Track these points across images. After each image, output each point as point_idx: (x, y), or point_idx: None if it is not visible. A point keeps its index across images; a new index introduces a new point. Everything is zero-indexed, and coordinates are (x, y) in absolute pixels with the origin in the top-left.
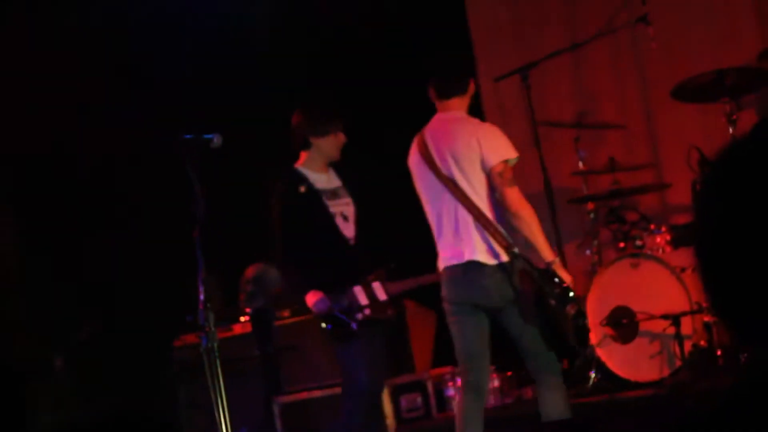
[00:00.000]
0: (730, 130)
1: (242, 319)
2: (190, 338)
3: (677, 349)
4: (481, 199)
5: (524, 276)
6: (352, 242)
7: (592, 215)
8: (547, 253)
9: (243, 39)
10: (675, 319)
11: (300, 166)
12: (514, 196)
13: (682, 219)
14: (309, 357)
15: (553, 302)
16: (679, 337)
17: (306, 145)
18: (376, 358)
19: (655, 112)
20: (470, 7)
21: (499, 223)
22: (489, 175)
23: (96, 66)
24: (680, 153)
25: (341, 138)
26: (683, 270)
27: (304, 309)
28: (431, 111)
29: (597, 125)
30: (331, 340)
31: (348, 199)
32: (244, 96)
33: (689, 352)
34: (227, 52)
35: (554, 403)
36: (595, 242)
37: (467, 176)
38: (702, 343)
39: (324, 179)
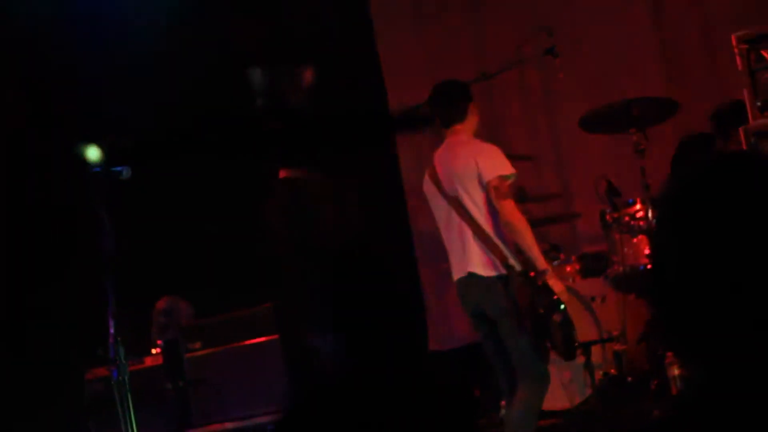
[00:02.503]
0: (638, 159)
1: (153, 351)
2: (101, 371)
3: (587, 378)
4: (482, 215)
5: (521, 288)
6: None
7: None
8: (540, 263)
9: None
10: (585, 348)
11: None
12: (508, 208)
13: (592, 248)
14: (221, 389)
15: (541, 311)
16: (589, 366)
17: None
18: None
19: (563, 142)
20: (379, 38)
21: (500, 238)
22: (486, 190)
23: None
24: (589, 182)
25: None
26: (593, 299)
27: (215, 341)
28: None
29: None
30: None
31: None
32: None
33: (599, 380)
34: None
35: (528, 411)
36: None
37: (469, 194)
38: (612, 371)
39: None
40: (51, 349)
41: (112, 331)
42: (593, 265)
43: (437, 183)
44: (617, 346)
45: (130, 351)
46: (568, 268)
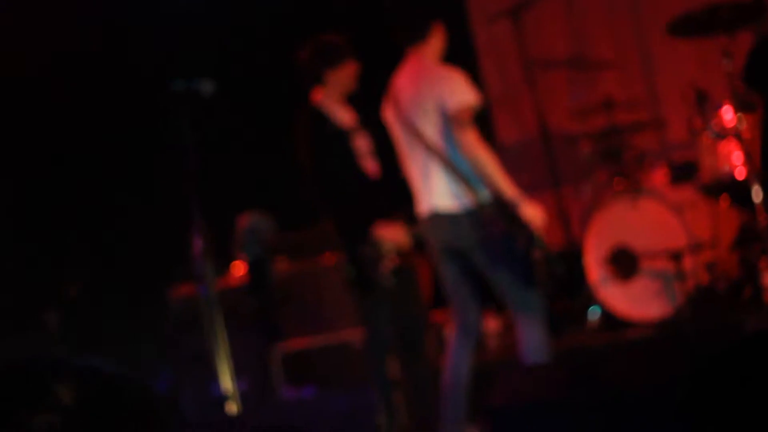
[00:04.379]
0: (726, 64)
1: (238, 269)
2: (187, 290)
3: (678, 288)
4: (445, 145)
5: (492, 219)
6: (375, 179)
7: (588, 155)
8: (508, 193)
9: None
10: (676, 257)
11: (318, 103)
12: (467, 139)
13: (680, 155)
14: (308, 305)
15: (521, 243)
16: (680, 275)
17: (320, 81)
18: (406, 306)
19: (650, 48)
20: None
21: (466, 168)
22: (448, 120)
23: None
24: (677, 89)
25: (355, 66)
26: (683, 207)
27: (300, 257)
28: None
29: (592, 64)
30: (353, 288)
31: (366, 133)
32: (236, 40)
33: (691, 290)
34: None
35: (531, 343)
36: (593, 182)
37: (432, 123)
38: (703, 280)
39: (343, 114)
40: (137, 267)
41: (198, 248)
42: (682, 173)
43: (398, 110)
44: (708, 255)
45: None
46: (657, 176)
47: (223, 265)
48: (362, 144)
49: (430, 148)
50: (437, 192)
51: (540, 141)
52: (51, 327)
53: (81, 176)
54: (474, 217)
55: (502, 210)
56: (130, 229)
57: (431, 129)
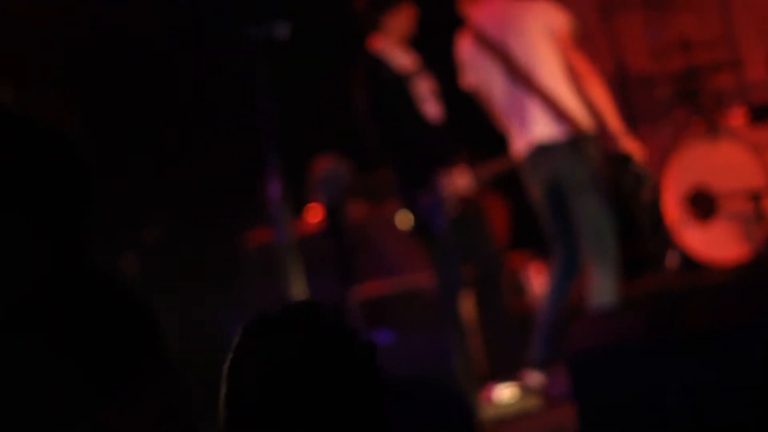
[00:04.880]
0: None
1: (314, 213)
2: (263, 235)
3: (758, 229)
4: (547, 72)
5: (596, 157)
6: (438, 123)
7: (666, 96)
8: (615, 124)
9: None
10: (755, 198)
11: (376, 49)
12: (581, 59)
13: (759, 96)
14: (384, 249)
15: (625, 185)
16: (759, 216)
17: (377, 27)
18: (477, 249)
19: None
20: None
21: (570, 97)
22: (552, 46)
23: None
24: (755, 28)
25: (412, 10)
26: (762, 147)
27: (377, 200)
28: None
29: (668, 4)
30: (415, 236)
31: (427, 76)
32: None
33: None
34: None
35: (603, 288)
36: (670, 123)
37: (528, 50)
38: None
39: (403, 59)
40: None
41: (275, 193)
42: (761, 113)
43: (486, 47)
44: None
45: (291, 213)
46: (735, 116)
47: (298, 209)
48: (424, 88)
49: (527, 77)
50: (536, 123)
51: (616, 82)
52: (129, 273)
53: (159, 122)
54: (575, 147)
55: (604, 141)
56: (207, 175)
57: (527, 57)
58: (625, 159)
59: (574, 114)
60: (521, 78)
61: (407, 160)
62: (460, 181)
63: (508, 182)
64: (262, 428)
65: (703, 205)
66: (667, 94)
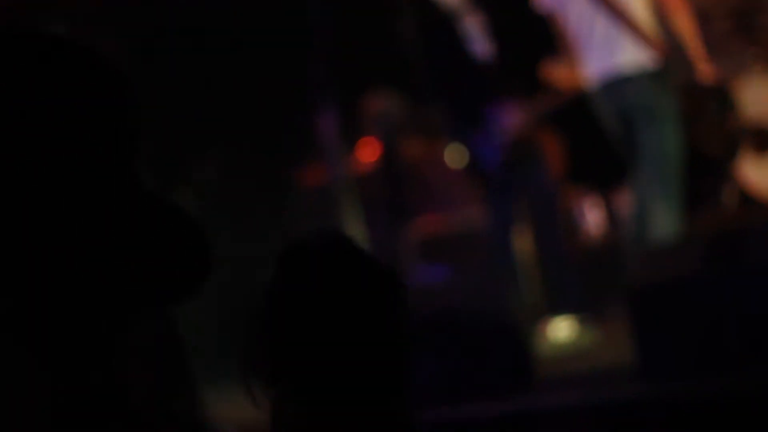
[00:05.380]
0: None
1: (368, 151)
2: (318, 173)
3: None
4: (632, 1)
5: (675, 87)
6: (489, 60)
7: (724, 29)
8: (699, 52)
9: None
10: None
11: None
12: None
13: None
14: (439, 187)
15: (707, 115)
16: None
17: None
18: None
19: None
20: None
21: (651, 22)
22: None
23: None
24: None
25: None
26: None
27: (431, 138)
28: None
29: None
30: (471, 171)
31: (478, 12)
32: None
33: None
34: None
35: (665, 225)
36: (727, 57)
37: None
38: None
39: None
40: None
41: (329, 130)
42: None
43: None
44: None
45: (345, 151)
46: None
47: (352, 147)
48: (474, 24)
49: (610, 1)
50: (617, 49)
51: None
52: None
53: (213, 57)
54: (655, 76)
55: (686, 70)
56: (260, 112)
57: None
58: (710, 89)
59: (656, 41)
60: (604, 2)
61: (459, 97)
62: (512, 117)
63: (563, 117)
64: (289, 355)
65: (762, 139)
66: (725, 28)
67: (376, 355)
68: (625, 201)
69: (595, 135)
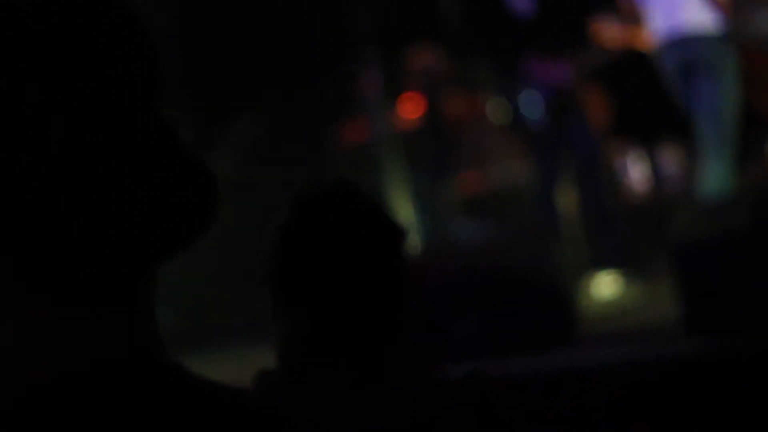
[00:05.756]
0: None
1: (411, 107)
2: (359, 131)
3: None
4: None
5: (734, 45)
6: (533, 13)
7: None
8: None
9: None
10: None
11: None
12: None
13: None
14: (482, 143)
15: (762, 74)
16: None
17: None
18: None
19: None
20: None
21: None
22: None
23: None
24: None
25: None
26: None
27: (475, 93)
28: None
29: None
30: (515, 126)
31: None
32: None
33: None
34: None
35: (717, 179)
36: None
37: None
38: None
39: None
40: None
41: (371, 86)
42: None
43: None
44: None
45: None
46: None
47: (394, 103)
48: None
49: None
50: (683, 8)
51: None
52: (221, 172)
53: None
54: (718, 34)
55: (741, 25)
56: (302, 67)
57: None
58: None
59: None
60: None
61: (502, 52)
62: (556, 72)
63: (610, 73)
64: (297, 286)
65: None
66: None
67: (374, 291)
68: (671, 156)
69: (643, 90)
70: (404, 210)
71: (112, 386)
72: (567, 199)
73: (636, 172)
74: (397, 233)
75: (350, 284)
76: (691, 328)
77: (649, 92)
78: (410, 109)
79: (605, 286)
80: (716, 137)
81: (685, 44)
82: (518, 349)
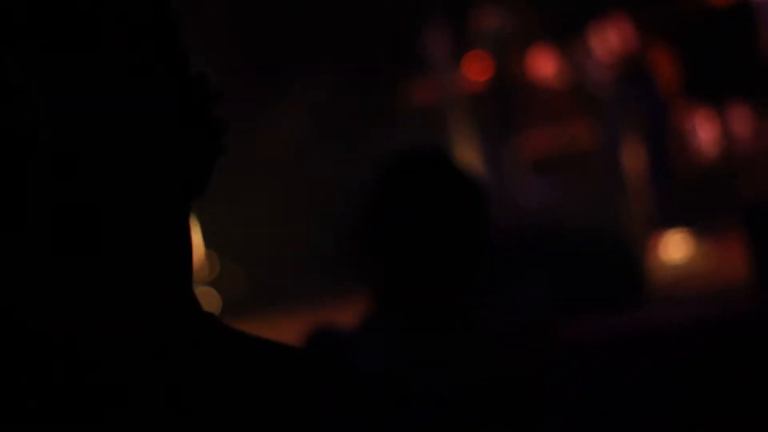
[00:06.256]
0: None
1: (478, 67)
2: (427, 91)
3: None
4: None
5: None
6: None
7: None
8: None
9: None
10: None
11: None
12: None
13: None
14: (551, 103)
15: None
16: None
17: None
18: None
19: None
20: None
21: None
22: None
23: None
24: None
25: None
26: None
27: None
28: None
29: None
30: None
31: None
32: None
33: None
34: None
35: None
36: None
37: None
38: None
39: None
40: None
41: (437, 44)
42: None
43: None
44: None
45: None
46: None
47: (461, 63)
48: None
49: None
50: None
51: None
52: (293, 127)
53: None
54: None
55: None
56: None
57: None
58: None
59: None
60: None
61: (565, 12)
62: (620, 33)
63: (677, 31)
64: (385, 237)
65: None
66: None
67: (456, 245)
68: (741, 115)
69: (714, 48)
70: (472, 170)
71: (188, 351)
72: (636, 159)
73: (706, 131)
74: (479, 195)
75: (435, 240)
76: (762, 287)
77: (720, 50)
78: (477, 68)
79: (675, 245)
80: None
81: None
82: (587, 309)
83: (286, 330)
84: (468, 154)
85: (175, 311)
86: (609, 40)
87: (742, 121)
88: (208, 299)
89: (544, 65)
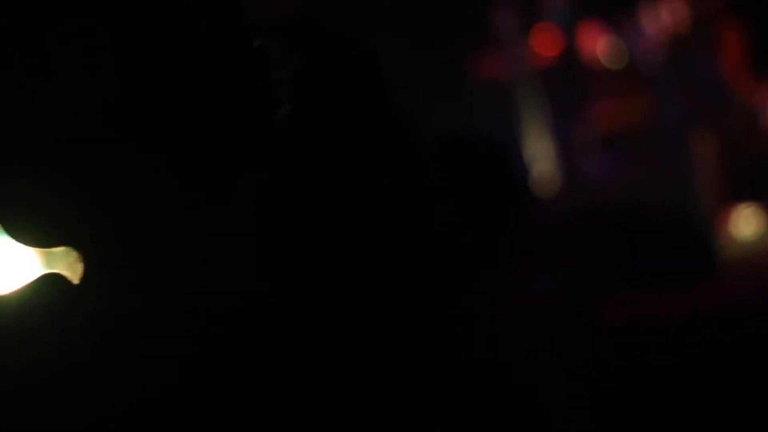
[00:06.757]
0: None
1: (546, 41)
2: (494, 65)
3: None
4: None
5: None
6: None
7: None
8: None
9: None
10: None
11: None
12: None
13: None
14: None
15: None
16: None
17: None
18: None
19: None
20: None
21: None
22: None
23: None
24: None
25: None
26: None
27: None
28: None
29: None
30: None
31: None
32: None
33: None
34: None
35: None
36: None
37: None
38: None
39: None
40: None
41: (505, 18)
42: None
43: None
44: None
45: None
46: None
47: (529, 36)
48: None
49: None
50: None
51: None
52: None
53: None
54: None
55: None
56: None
57: None
58: None
59: None
60: None
61: None
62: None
63: (743, 6)
64: None
65: None
66: None
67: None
68: None
69: None
70: (541, 146)
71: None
72: (703, 135)
73: None
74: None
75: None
76: None
77: None
78: (545, 42)
79: (745, 220)
80: None
81: None
82: (656, 285)
83: None
84: (536, 130)
85: None
86: (662, 17)
87: None
88: None
89: (595, 42)
